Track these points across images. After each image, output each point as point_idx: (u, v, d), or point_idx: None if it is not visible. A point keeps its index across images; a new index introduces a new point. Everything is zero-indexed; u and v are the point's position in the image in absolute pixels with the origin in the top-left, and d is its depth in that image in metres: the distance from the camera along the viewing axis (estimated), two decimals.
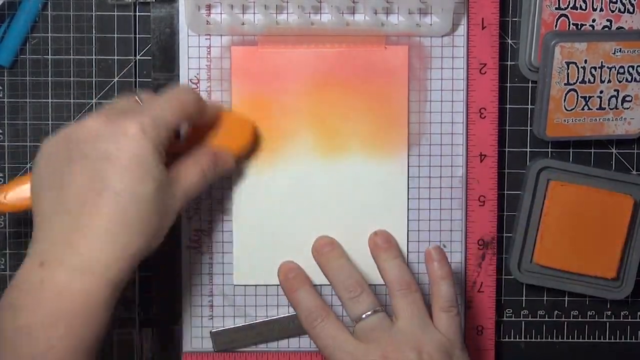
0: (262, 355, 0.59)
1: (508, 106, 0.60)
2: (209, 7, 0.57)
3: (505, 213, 0.60)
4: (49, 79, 0.59)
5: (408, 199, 0.58)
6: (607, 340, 0.61)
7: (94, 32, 0.58)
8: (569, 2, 0.57)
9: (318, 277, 0.57)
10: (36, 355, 0.44)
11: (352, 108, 0.57)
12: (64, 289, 0.45)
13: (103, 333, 0.46)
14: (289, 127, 0.57)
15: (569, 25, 0.57)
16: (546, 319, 0.61)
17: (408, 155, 0.58)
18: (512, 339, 0.61)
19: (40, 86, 0.59)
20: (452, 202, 0.59)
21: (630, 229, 0.59)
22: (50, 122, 0.59)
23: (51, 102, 0.59)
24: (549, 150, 0.60)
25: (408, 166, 0.58)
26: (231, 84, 0.57)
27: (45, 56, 0.58)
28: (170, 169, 0.49)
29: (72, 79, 0.59)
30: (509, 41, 0.59)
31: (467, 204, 0.59)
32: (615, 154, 0.60)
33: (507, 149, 0.60)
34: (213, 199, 0.58)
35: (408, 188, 0.58)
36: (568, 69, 0.56)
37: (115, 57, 0.59)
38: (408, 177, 0.58)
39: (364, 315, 0.52)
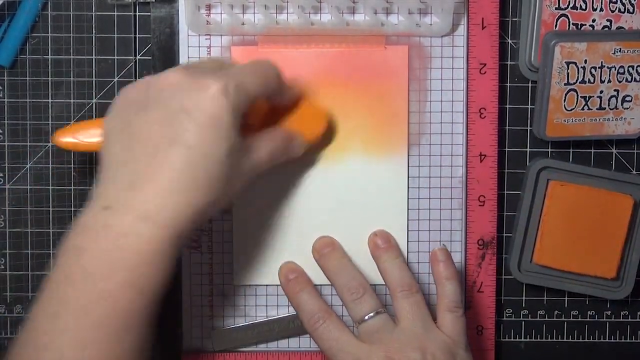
0: (262, 355, 0.59)
1: (508, 106, 0.60)
2: (209, 7, 0.57)
3: (505, 213, 0.60)
4: (49, 79, 0.59)
5: (408, 199, 0.58)
6: (607, 340, 0.62)
7: (94, 32, 0.58)
8: (569, 2, 0.57)
9: (318, 278, 0.57)
10: (101, 299, 0.44)
11: (352, 108, 0.57)
12: (128, 234, 0.45)
13: (163, 286, 0.46)
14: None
15: (569, 25, 0.57)
16: (546, 319, 0.61)
17: (408, 155, 0.58)
18: (512, 339, 0.61)
19: (40, 86, 0.59)
20: (452, 202, 0.59)
21: (630, 229, 0.59)
22: (50, 122, 0.59)
23: (51, 102, 0.59)
24: (549, 150, 0.60)
25: (408, 166, 0.58)
26: None
27: (45, 56, 0.58)
28: (245, 138, 0.49)
29: (72, 79, 0.59)
30: (509, 41, 0.59)
31: (467, 204, 0.59)
32: (615, 154, 0.60)
33: (507, 149, 0.60)
34: None
35: (408, 188, 0.58)
36: (568, 69, 0.56)
37: (115, 57, 0.59)
38: (408, 177, 0.58)
39: (366, 317, 0.52)
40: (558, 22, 0.57)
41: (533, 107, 0.59)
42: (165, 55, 0.58)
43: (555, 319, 0.61)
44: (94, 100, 0.59)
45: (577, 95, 0.57)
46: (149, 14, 0.58)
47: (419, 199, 0.59)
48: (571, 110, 0.57)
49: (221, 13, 0.57)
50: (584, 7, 0.57)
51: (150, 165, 0.46)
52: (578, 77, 0.57)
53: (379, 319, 0.52)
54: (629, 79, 0.57)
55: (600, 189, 0.58)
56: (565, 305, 0.61)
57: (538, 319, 0.61)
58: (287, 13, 0.57)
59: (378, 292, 0.56)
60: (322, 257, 0.56)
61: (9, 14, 0.58)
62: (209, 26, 0.57)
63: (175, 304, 0.59)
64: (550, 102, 0.57)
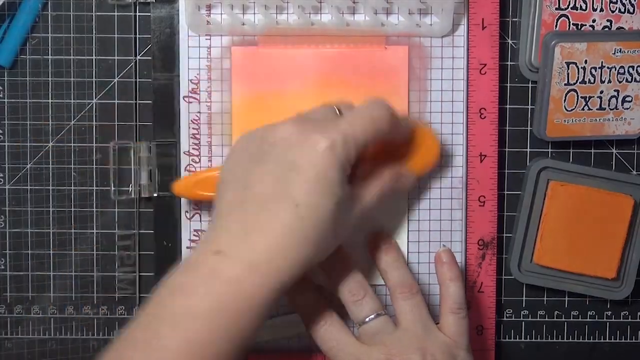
0: (262, 355, 0.59)
1: (508, 106, 0.60)
2: (209, 7, 0.57)
3: (505, 213, 0.60)
4: (49, 79, 0.59)
5: (408, 199, 0.58)
6: (607, 340, 0.62)
7: (94, 32, 0.58)
8: (569, 2, 0.57)
9: (318, 278, 0.57)
10: (194, 341, 0.44)
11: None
12: (235, 281, 0.45)
13: (254, 335, 0.47)
14: None
15: (569, 26, 0.57)
16: (546, 319, 0.61)
17: None
18: (512, 339, 0.61)
19: (40, 86, 0.59)
20: (452, 202, 0.59)
21: (630, 229, 0.59)
22: (50, 122, 0.59)
23: (51, 102, 0.59)
24: (549, 150, 0.60)
25: None
26: (231, 84, 0.57)
27: (45, 56, 0.58)
28: (352, 185, 0.50)
29: (72, 79, 0.59)
30: (509, 41, 0.59)
31: (467, 204, 0.59)
32: (615, 154, 0.60)
33: (507, 149, 0.60)
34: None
35: None
36: (568, 69, 0.56)
37: (115, 57, 0.59)
38: None
39: (367, 319, 0.52)
40: (558, 23, 0.57)
41: (533, 107, 0.59)
42: (165, 55, 0.58)
43: (555, 319, 0.61)
44: (94, 100, 0.59)
45: (577, 96, 0.57)
46: (149, 14, 0.58)
47: (419, 199, 0.59)
48: (571, 110, 0.57)
49: (221, 13, 0.57)
50: (584, 7, 0.57)
51: (260, 218, 0.47)
52: (578, 77, 0.57)
53: (380, 321, 0.52)
54: (629, 79, 0.57)
55: (600, 189, 0.58)
56: (566, 306, 0.61)
57: (538, 319, 0.61)
58: (287, 13, 0.57)
59: (378, 292, 0.56)
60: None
61: (9, 14, 0.58)
62: (209, 26, 0.57)
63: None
64: (550, 103, 0.57)
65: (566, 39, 0.56)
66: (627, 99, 0.57)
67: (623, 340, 0.62)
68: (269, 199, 0.47)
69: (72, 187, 0.59)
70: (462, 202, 0.59)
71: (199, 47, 0.57)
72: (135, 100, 0.59)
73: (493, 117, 0.58)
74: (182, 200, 0.58)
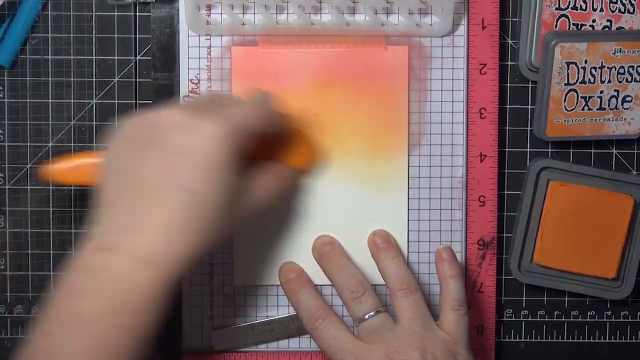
0: (262, 355, 0.59)
1: (508, 106, 0.60)
2: (209, 7, 0.57)
3: (505, 213, 0.60)
4: (49, 79, 0.59)
5: (408, 199, 0.58)
6: (607, 340, 0.62)
7: (94, 32, 0.58)
8: (569, 2, 0.57)
9: (319, 278, 0.57)
10: (94, 341, 0.43)
11: (352, 108, 0.57)
12: (125, 279, 0.44)
13: (157, 329, 0.45)
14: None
15: (569, 26, 0.57)
16: (546, 319, 0.61)
17: (408, 155, 0.58)
18: (512, 339, 0.61)
19: (40, 86, 0.59)
20: (452, 202, 0.59)
21: (630, 229, 0.59)
22: (50, 122, 0.59)
23: (51, 102, 0.59)
24: (549, 150, 0.60)
25: (408, 166, 0.58)
26: (231, 84, 0.57)
27: (45, 56, 0.58)
28: (244, 178, 0.49)
29: (72, 79, 0.59)
30: (509, 41, 0.59)
31: (467, 204, 0.59)
32: (615, 154, 0.60)
33: (507, 149, 0.60)
34: None
35: (408, 188, 0.58)
36: (568, 69, 0.56)
37: (116, 57, 0.59)
38: (408, 177, 0.58)
39: (366, 316, 0.52)
40: (558, 23, 0.57)
41: (533, 107, 0.59)
42: (165, 55, 0.58)
43: (555, 319, 0.61)
44: (94, 100, 0.59)
45: (577, 96, 0.57)
46: (149, 14, 0.58)
47: (419, 199, 0.59)
48: (571, 110, 0.57)
49: (221, 13, 0.57)
50: (584, 7, 0.57)
51: (147, 207, 0.45)
52: (578, 77, 0.57)
53: (379, 318, 0.52)
54: (629, 79, 0.57)
55: (600, 189, 0.58)
56: (566, 306, 0.61)
57: (538, 319, 0.61)
58: (287, 13, 0.57)
59: (378, 292, 0.56)
60: (322, 256, 0.56)
61: (9, 14, 0.58)
62: (209, 26, 0.57)
63: (175, 304, 0.59)
64: (550, 102, 0.57)
65: (566, 39, 0.56)
66: (627, 99, 0.57)
67: (623, 340, 0.62)
68: (157, 186, 0.45)
69: (72, 187, 0.59)
70: (462, 202, 0.59)
71: (199, 47, 0.57)
72: (135, 100, 0.59)
73: (493, 117, 0.58)
74: None
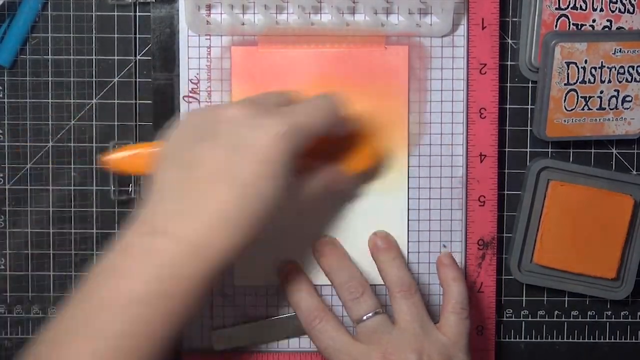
0: (262, 355, 0.59)
1: (508, 106, 0.60)
2: (209, 7, 0.57)
3: (505, 213, 0.60)
4: (49, 79, 0.59)
5: (408, 199, 0.58)
6: (607, 340, 0.62)
7: (94, 32, 0.58)
8: (569, 2, 0.57)
9: (319, 278, 0.57)
10: (132, 324, 0.43)
11: (352, 108, 0.57)
12: (172, 263, 0.44)
13: (192, 316, 0.46)
14: None
15: (569, 26, 0.57)
16: (546, 319, 0.61)
17: (408, 155, 0.58)
18: (512, 339, 0.61)
19: (40, 86, 0.59)
20: (452, 202, 0.59)
21: (630, 229, 0.59)
22: (50, 122, 0.59)
23: (51, 102, 0.59)
24: (549, 150, 0.60)
25: (408, 166, 0.58)
26: (231, 84, 0.57)
27: (45, 56, 0.58)
28: (295, 178, 0.49)
29: (72, 79, 0.59)
30: (509, 41, 0.59)
31: (467, 204, 0.59)
32: (615, 154, 0.60)
33: (507, 149, 0.60)
34: None
35: (408, 188, 0.58)
36: (568, 69, 0.56)
37: (115, 57, 0.59)
38: (408, 177, 0.58)
39: (365, 317, 0.52)
40: (558, 22, 0.57)
41: (533, 107, 0.59)
42: (165, 55, 0.58)
43: (555, 319, 0.61)
44: (94, 100, 0.59)
45: (577, 96, 0.57)
46: (149, 14, 0.58)
47: (419, 199, 0.59)
48: (571, 110, 0.57)
49: (221, 13, 0.57)
50: (584, 7, 0.57)
51: (201, 196, 0.45)
52: (578, 77, 0.57)
53: (378, 319, 0.52)
54: (629, 79, 0.57)
55: (600, 189, 0.58)
56: (565, 306, 0.61)
57: (538, 319, 0.61)
58: (287, 13, 0.57)
59: (378, 292, 0.56)
60: (322, 256, 0.56)
61: (9, 14, 0.58)
62: (209, 26, 0.57)
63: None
64: (550, 102, 0.57)
65: (566, 39, 0.56)
66: (627, 98, 0.57)
67: (623, 340, 0.62)
68: (212, 177, 0.45)
69: (72, 187, 0.59)
70: (462, 202, 0.59)
71: (199, 47, 0.57)
72: (135, 100, 0.59)
73: (493, 117, 0.58)
74: None
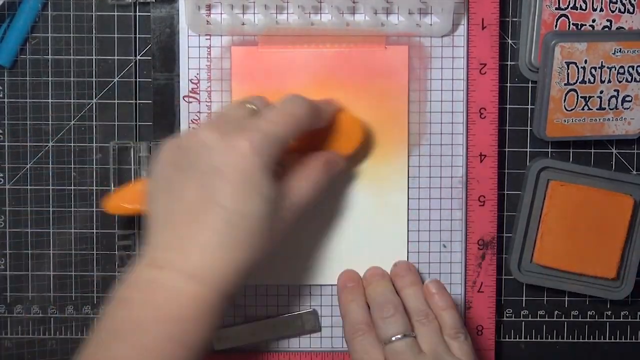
0: (262, 355, 0.59)
1: (508, 106, 0.60)
2: (209, 7, 0.57)
3: (505, 213, 0.60)
4: (49, 79, 0.59)
5: (408, 199, 0.58)
6: (607, 340, 0.62)
7: (94, 32, 0.58)
8: (569, 2, 0.57)
9: (320, 277, 0.57)
10: (142, 349, 0.45)
11: (352, 108, 0.57)
12: (173, 289, 0.46)
13: (207, 341, 0.47)
14: None
15: (569, 26, 0.57)
16: (546, 319, 0.61)
17: (408, 155, 0.58)
18: (512, 339, 0.61)
19: (40, 86, 0.59)
20: (452, 202, 0.59)
21: (630, 229, 0.59)
22: (50, 122, 0.59)
23: (51, 102, 0.59)
24: (549, 150, 0.60)
25: (408, 166, 0.58)
26: (231, 84, 0.57)
27: (45, 56, 0.58)
28: (281, 183, 0.49)
29: (72, 79, 0.59)
30: (509, 41, 0.59)
31: (467, 204, 0.59)
32: (615, 154, 0.60)
33: (507, 149, 0.60)
34: None
35: (408, 188, 0.58)
36: (568, 69, 0.56)
37: (115, 57, 0.59)
38: (408, 177, 0.58)
39: (393, 338, 0.52)
40: (558, 22, 0.57)
41: (533, 107, 0.59)
42: (165, 55, 0.58)
43: (555, 319, 0.61)
44: (94, 100, 0.59)
45: (577, 96, 0.57)
46: (149, 14, 0.58)
47: (419, 199, 0.59)
48: (571, 110, 0.57)
49: (221, 13, 0.57)
50: (584, 7, 0.57)
51: (190, 226, 0.46)
52: (578, 77, 0.57)
53: (406, 343, 0.52)
54: (629, 79, 0.57)
55: (600, 189, 0.58)
56: (566, 305, 0.61)
57: (538, 319, 0.61)
58: (287, 13, 0.57)
59: None
60: (369, 285, 0.56)
61: (9, 14, 0.58)
62: (209, 26, 0.57)
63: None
64: (550, 102, 0.57)
65: (566, 39, 0.56)
66: (627, 98, 0.57)
67: (623, 340, 0.62)
68: (197, 207, 0.46)
69: (72, 187, 0.59)
70: (462, 202, 0.59)
71: (199, 47, 0.57)
72: (135, 100, 0.59)
73: (493, 117, 0.58)
74: None
